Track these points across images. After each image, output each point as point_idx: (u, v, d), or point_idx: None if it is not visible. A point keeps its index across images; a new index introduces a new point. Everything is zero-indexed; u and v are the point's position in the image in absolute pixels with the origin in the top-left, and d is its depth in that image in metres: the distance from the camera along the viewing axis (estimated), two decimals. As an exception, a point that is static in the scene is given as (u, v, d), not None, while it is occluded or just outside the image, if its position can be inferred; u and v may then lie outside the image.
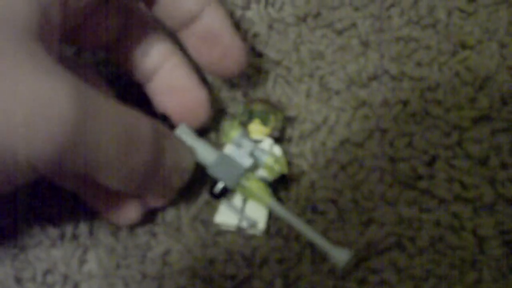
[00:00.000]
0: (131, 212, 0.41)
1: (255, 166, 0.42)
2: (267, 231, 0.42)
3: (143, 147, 0.35)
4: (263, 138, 0.44)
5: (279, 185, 0.43)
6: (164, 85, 0.44)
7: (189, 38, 0.42)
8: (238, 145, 0.42)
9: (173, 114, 0.42)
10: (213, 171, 0.41)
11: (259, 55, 0.49)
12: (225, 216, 0.42)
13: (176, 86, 0.43)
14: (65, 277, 0.42)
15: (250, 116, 0.44)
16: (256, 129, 0.44)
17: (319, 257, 0.41)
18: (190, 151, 0.41)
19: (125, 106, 0.35)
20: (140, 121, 0.36)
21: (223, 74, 0.44)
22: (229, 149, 0.43)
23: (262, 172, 0.43)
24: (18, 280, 0.42)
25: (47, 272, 0.43)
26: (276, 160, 0.42)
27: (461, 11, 0.48)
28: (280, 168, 0.42)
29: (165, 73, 0.43)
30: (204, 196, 0.44)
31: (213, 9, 0.41)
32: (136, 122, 0.35)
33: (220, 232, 0.43)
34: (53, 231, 0.43)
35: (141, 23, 0.43)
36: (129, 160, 0.35)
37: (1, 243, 0.43)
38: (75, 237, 0.43)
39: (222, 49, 0.42)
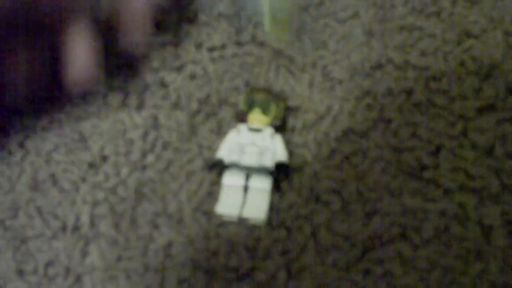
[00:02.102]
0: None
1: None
2: (269, 222, 0.42)
3: None
4: (263, 127, 0.43)
5: (282, 175, 0.43)
6: None
7: None
8: None
9: None
10: None
11: (261, 44, 0.48)
12: (227, 206, 0.42)
13: None
14: (67, 270, 0.42)
15: (252, 105, 0.44)
16: (257, 118, 0.44)
17: (323, 248, 0.41)
18: None
19: None
20: None
21: None
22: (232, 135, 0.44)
23: (265, 161, 0.42)
24: (20, 272, 0.42)
25: (48, 264, 0.42)
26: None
27: (466, -1, 0.48)
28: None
29: None
30: (206, 187, 0.44)
31: None
32: None
33: (223, 223, 0.42)
34: (54, 223, 0.43)
35: None
36: None
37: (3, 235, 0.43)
38: (76, 228, 0.43)
39: None
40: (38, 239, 0.43)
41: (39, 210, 0.44)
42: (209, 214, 0.43)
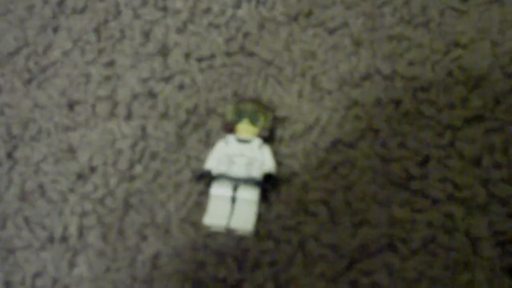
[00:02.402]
0: None
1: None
2: (257, 233, 0.42)
3: None
4: (252, 137, 0.43)
5: (270, 186, 0.43)
6: None
7: None
8: None
9: None
10: None
11: (250, 54, 0.48)
12: (214, 217, 0.42)
13: None
14: (55, 281, 0.42)
15: (240, 115, 0.44)
16: (245, 128, 0.44)
17: (310, 259, 0.41)
18: None
19: None
20: None
21: None
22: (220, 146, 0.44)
23: (253, 172, 0.42)
24: (7, 283, 0.42)
25: (36, 275, 0.42)
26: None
27: (454, 10, 0.48)
28: None
29: None
30: (194, 197, 0.44)
31: None
32: None
33: (210, 234, 0.42)
34: (42, 233, 0.43)
35: None
36: None
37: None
38: (64, 239, 0.43)
39: None
40: (26, 250, 0.43)
41: (27, 220, 0.44)
42: (197, 225, 0.43)
